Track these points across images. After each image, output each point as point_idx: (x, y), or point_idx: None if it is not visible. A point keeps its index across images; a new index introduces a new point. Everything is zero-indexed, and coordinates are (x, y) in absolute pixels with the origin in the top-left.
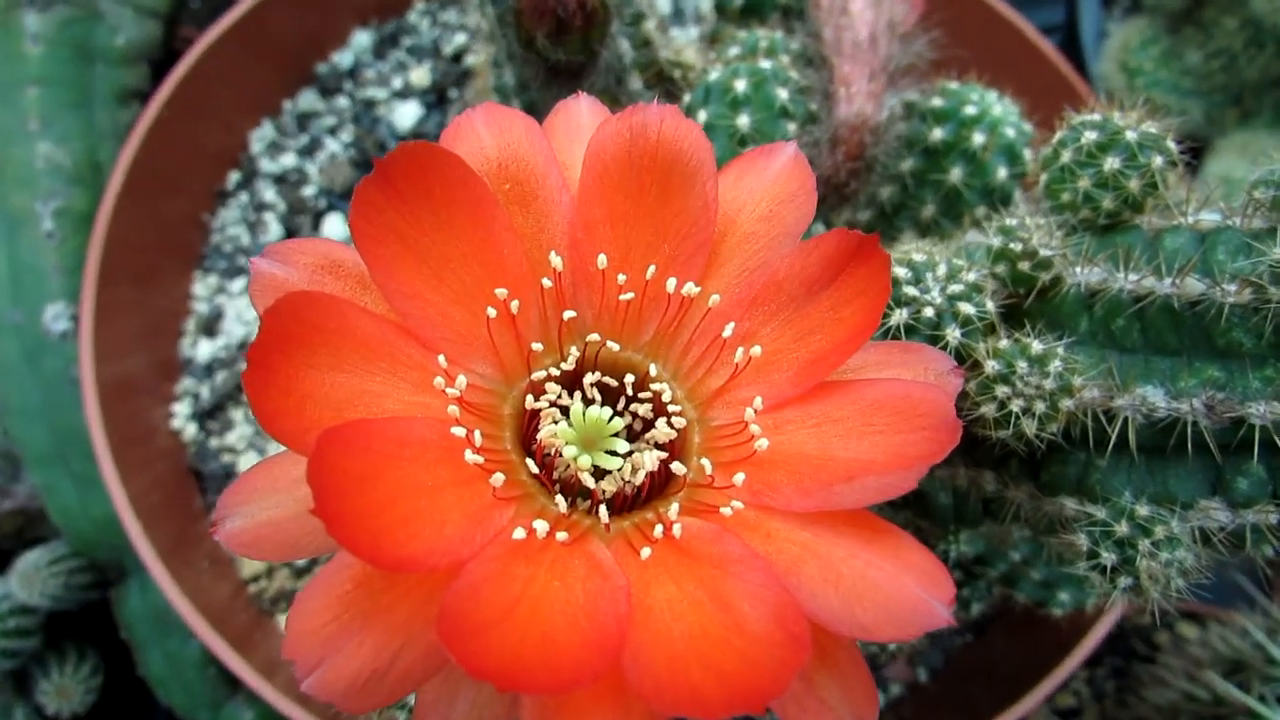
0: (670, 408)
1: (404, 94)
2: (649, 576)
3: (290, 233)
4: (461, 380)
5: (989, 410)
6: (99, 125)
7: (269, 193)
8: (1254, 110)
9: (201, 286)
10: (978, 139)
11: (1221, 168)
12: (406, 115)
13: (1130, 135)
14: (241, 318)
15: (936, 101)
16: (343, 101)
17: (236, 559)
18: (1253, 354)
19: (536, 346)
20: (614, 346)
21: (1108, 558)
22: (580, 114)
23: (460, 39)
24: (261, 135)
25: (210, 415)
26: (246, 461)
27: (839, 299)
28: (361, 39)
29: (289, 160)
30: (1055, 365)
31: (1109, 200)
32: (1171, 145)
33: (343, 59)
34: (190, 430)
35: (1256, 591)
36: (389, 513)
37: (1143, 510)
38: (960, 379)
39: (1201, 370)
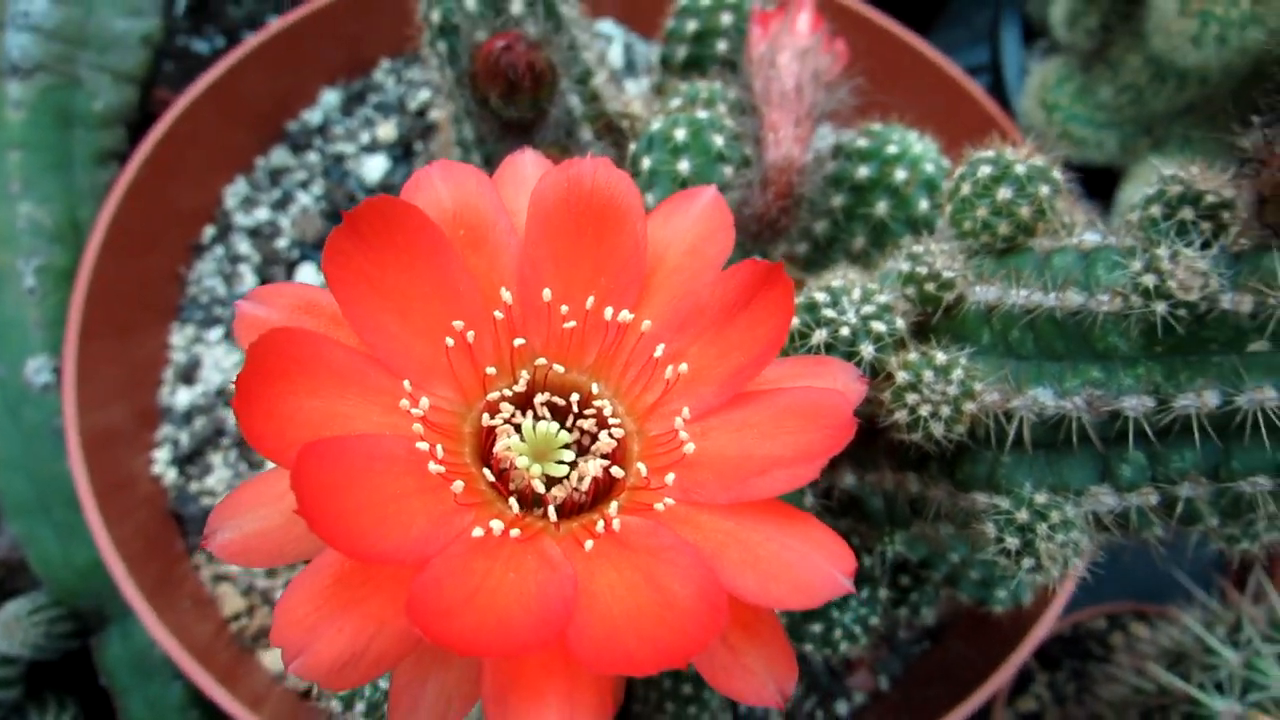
0: (611, 421)
1: (371, 148)
2: (593, 566)
3: (265, 282)
4: (424, 402)
5: (902, 416)
6: (78, 186)
7: (243, 245)
8: (1163, 139)
9: (179, 337)
10: (900, 175)
11: (1133, 193)
12: (374, 168)
13: (1019, 169)
14: (219, 365)
15: (862, 142)
16: (313, 157)
17: (217, 599)
18: (1125, 355)
19: (491, 370)
20: (560, 369)
21: (1011, 543)
22: (525, 167)
23: (424, 94)
24: (235, 191)
25: (189, 460)
26: None
27: (753, 319)
28: (330, 97)
29: (262, 214)
30: (958, 373)
31: (1004, 226)
32: (1057, 175)
33: (312, 116)
34: (170, 475)
35: (1196, 588)
36: (363, 515)
37: (1040, 498)
38: (864, 386)
39: (1084, 371)
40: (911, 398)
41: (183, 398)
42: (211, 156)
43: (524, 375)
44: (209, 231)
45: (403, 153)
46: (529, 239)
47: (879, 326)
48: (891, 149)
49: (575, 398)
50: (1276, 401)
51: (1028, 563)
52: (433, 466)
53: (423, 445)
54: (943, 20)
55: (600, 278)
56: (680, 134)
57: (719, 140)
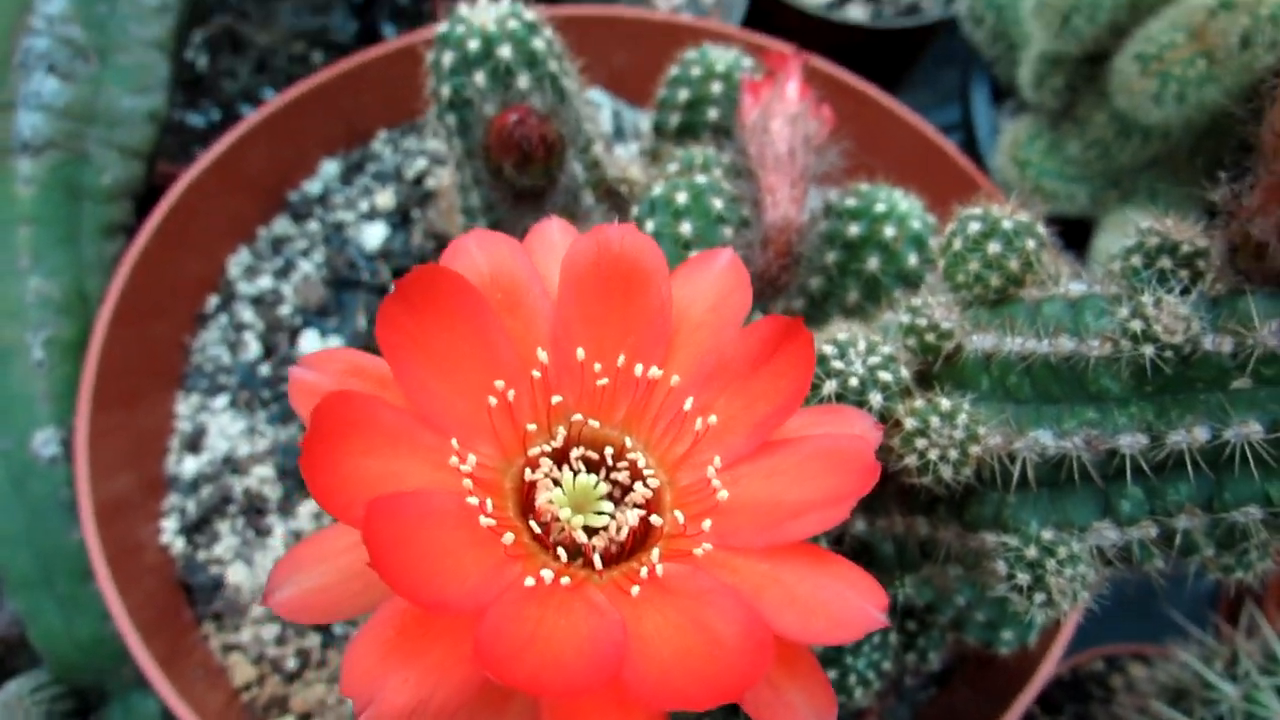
0: (645, 472)
1: (370, 216)
2: (640, 610)
3: (269, 349)
4: (471, 459)
5: (912, 460)
6: (86, 258)
7: (247, 313)
8: (1131, 191)
9: (184, 406)
10: (889, 231)
11: (1107, 242)
12: (374, 235)
13: (1007, 224)
14: (224, 433)
15: (851, 201)
16: (314, 225)
17: (228, 668)
18: (1118, 396)
19: (531, 427)
20: (595, 424)
21: (1022, 579)
22: (552, 234)
23: (421, 163)
24: (239, 260)
25: (197, 529)
26: (234, 571)
27: (776, 371)
28: (330, 168)
29: (265, 282)
30: (962, 418)
31: (995, 278)
32: (1041, 230)
33: (313, 187)
34: (178, 545)
35: (1191, 626)
36: (426, 565)
37: (1047, 535)
38: (879, 432)
39: (1080, 413)
40: (920, 443)
41: (189, 466)
42: (216, 228)
43: (561, 431)
44: (213, 300)
45: (400, 220)
46: (562, 301)
47: (885, 376)
48: (880, 207)
49: (609, 451)
50: (1261, 434)
51: (1039, 597)
52: (484, 520)
53: (473, 500)
54: (910, 82)
55: (629, 336)
56: (681, 198)
57: (718, 203)
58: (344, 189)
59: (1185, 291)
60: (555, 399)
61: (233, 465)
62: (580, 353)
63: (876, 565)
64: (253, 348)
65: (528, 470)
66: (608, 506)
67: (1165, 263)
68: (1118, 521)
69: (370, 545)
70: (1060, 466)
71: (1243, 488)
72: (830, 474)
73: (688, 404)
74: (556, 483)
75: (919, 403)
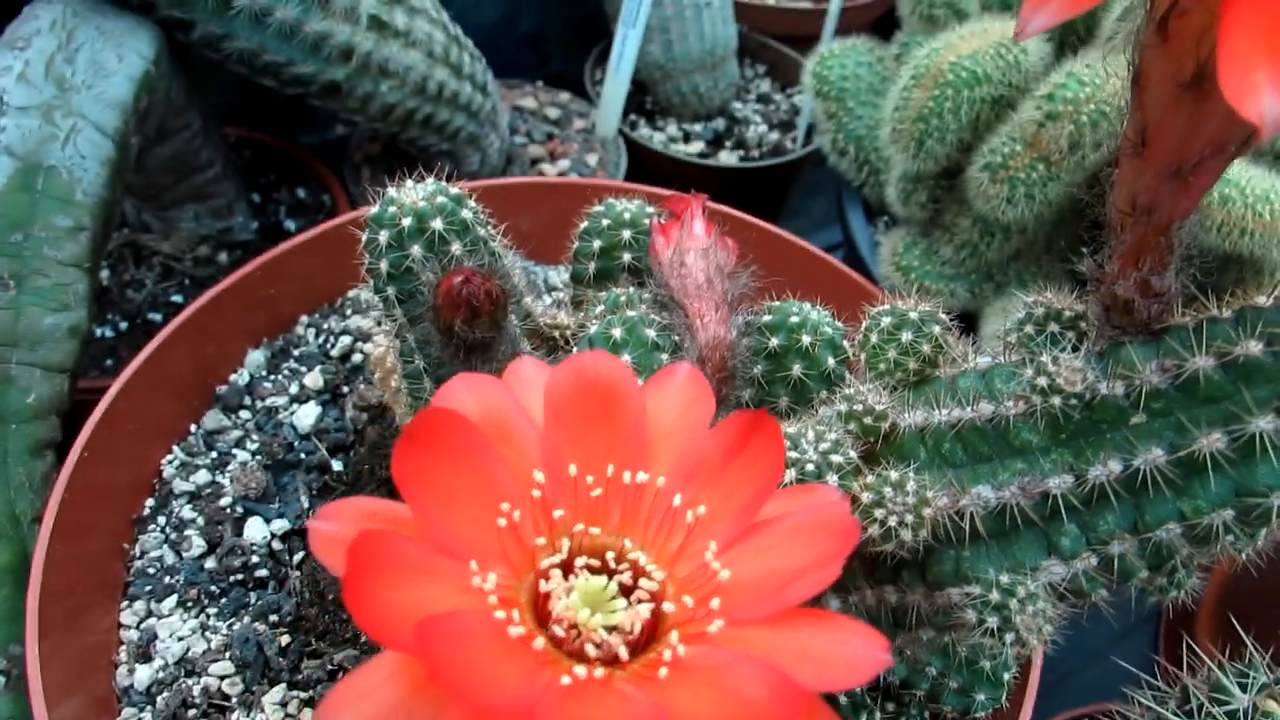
0: (648, 568)
1: (301, 398)
2: (669, 692)
3: (211, 543)
4: (491, 577)
5: (874, 530)
6: (14, 479)
7: (186, 510)
8: (1004, 282)
9: (129, 615)
10: (806, 339)
11: (992, 328)
12: (306, 416)
13: (913, 314)
14: (175, 635)
15: (768, 317)
16: (245, 415)
17: None
18: (1039, 446)
19: (539, 541)
20: (595, 531)
21: (992, 622)
22: (526, 370)
23: (345, 340)
24: (172, 460)
25: None
26: None
27: (750, 460)
28: (256, 357)
29: (202, 477)
30: (911, 485)
31: (912, 363)
32: (944, 316)
33: (240, 378)
34: None
35: (1144, 675)
36: (473, 675)
37: (1005, 579)
38: (847, 502)
39: (1010, 465)
40: (880, 512)
41: (142, 675)
42: (147, 432)
43: (565, 543)
44: (149, 503)
45: (331, 397)
46: (548, 425)
47: (837, 459)
48: (794, 319)
49: (610, 555)
50: (1164, 458)
51: (1010, 638)
52: (513, 630)
53: (500, 614)
54: (785, 213)
55: (614, 449)
56: (617, 332)
57: (651, 333)
58: (272, 376)
59: (1075, 349)
60: (556, 513)
61: (188, 667)
62: (572, 469)
63: None
64: (196, 543)
65: (540, 582)
66: (621, 604)
67: (1053, 327)
68: (1062, 557)
69: (427, 661)
70: (1003, 516)
71: (1160, 509)
72: (817, 540)
73: (677, 500)
74: (569, 591)
75: (870, 479)
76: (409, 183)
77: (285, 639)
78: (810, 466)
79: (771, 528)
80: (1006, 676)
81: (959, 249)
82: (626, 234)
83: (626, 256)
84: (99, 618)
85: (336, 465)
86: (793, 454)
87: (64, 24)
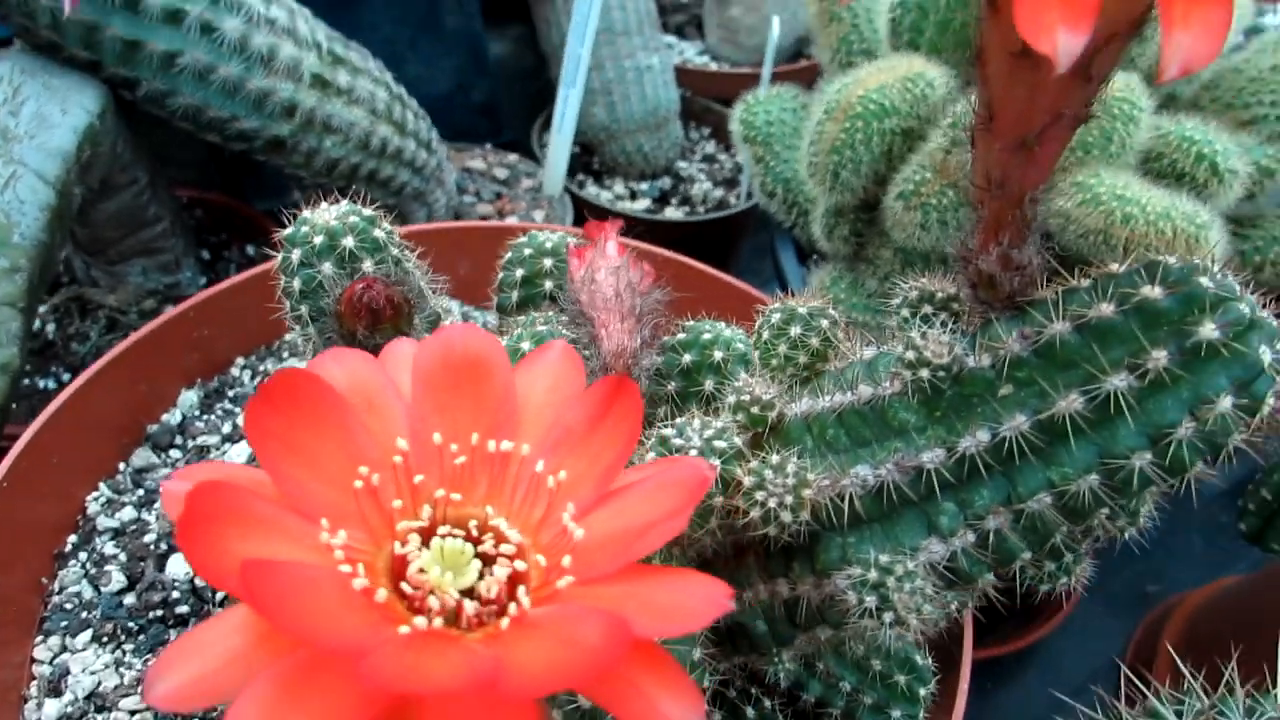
0: (507, 533)
1: (234, 437)
2: (511, 643)
3: (132, 579)
4: (342, 534)
5: (755, 513)
6: None
7: (108, 546)
8: None
9: (43, 650)
10: (718, 354)
11: None
12: (239, 455)
13: (802, 310)
14: (88, 670)
15: (681, 335)
16: (176, 453)
17: None
18: (916, 426)
19: (396, 504)
20: (456, 498)
21: (869, 601)
22: (403, 349)
23: None
24: (97, 497)
25: None
26: None
27: (612, 425)
28: (189, 397)
29: (127, 514)
30: (791, 467)
31: (802, 356)
32: (833, 312)
33: (172, 417)
34: None
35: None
36: (306, 620)
37: (884, 559)
38: (713, 471)
39: (888, 446)
40: (760, 495)
41: (51, 709)
42: (72, 468)
43: (426, 510)
44: (72, 539)
45: None
46: (415, 396)
47: (721, 444)
48: (706, 335)
49: (473, 524)
50: (1027, 425)
51: (888, 617)
52: (357, 583)
53: (345, 568)
54: (732, 270)
55: (481, 419)
56: (525, 345)
57: None
58: (205, 415)
59: (948, 328)
60: (417, 479)
61: (98, 702)
62: (437, 437)
63: (753, 644)
64: (116, 578)
65: (397, 545)
66: (476, 565)
67: (927, 309)
68: (941, 535)
69: (254, 602)
70: (882, 496)
71: (1030, 479)
72: (667, 495)
73: (539, 466)
74: (425, 552)
75: (753, 463)
76: (324, 204)
77: None
78: (693, 452)
79: (628, 491)
80: (923, 692)
81: (883, 280)
82: (548, 262)
83: (548, 284)
84: (11, 653)
85: None
86: (678, 441)
87: (10, 79)
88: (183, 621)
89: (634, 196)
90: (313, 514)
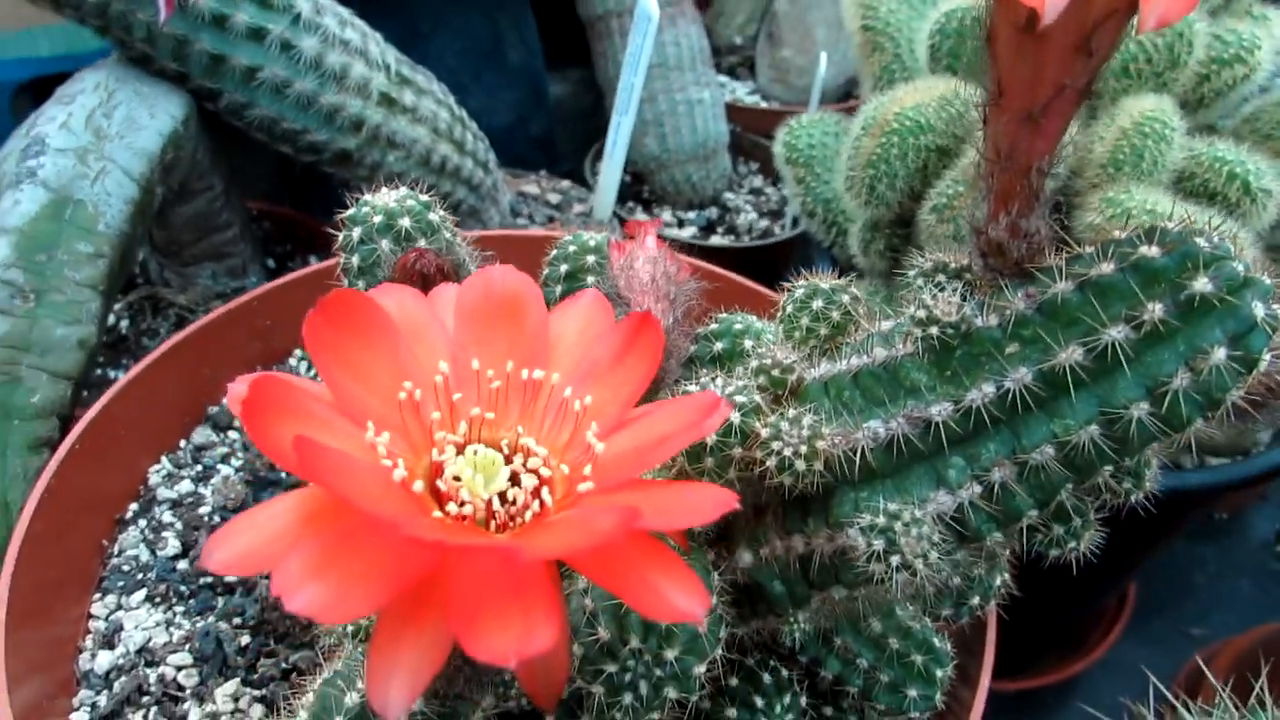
0: (537, 449)
1: None
2: (532, 534)
3: (186, 547)
4: (385, 436)
5: (771, 462)
6: (11, 470)
7: (167, 515)
8: None
9: (100, 607)
10: (748, 343)
11: None
12: None
13: (825, 285)
14: (140, 626)
15: (714, 326)
16: (233, 434)
17: None
18: (927, 384)
19: (435, 416)
20: (490, 416)
21: (877, 544)
22: (448, 292)
23: None
24: (159, 469)
25: None
26: None
27: (635, 359)
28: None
29: (185, 486)
30: (807, 420)
31: (823, 328)
32: (854, 289)
33: None
34: None
35: None
36: (350, 488)
37: (892, 507)
38: (729, 408)
39: (900, 403)
40: (776, 444)
41: (103, 660)
42: (138, 441)
43: (462, 426)
44: (133, 507)
45: None
46: (457, 328)
47: (741, 399)
48: (738, 325)
49: (505, 443)
50: (1030, 378)
51: (895, 560)
52: (397, 474)
53: (387, 462)
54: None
55: (516, 350)
56: None
57: None
58: None
59: (960, 296)
60: (456, 396)
61: (148, 656)
62: (475, 363)
63: (769, 605)
64: (171, 544)
65: (434, 453)
66: (506, 472)
67: (940, 278)
68: (949, 488)
69: (305, 471)
70: (893, 449)
71: (1034, 431)
72: (682, 413)
73: (568, 392)
74: (462, 458)
75: (771, 417)
76: (384, 189)
77: (245, 639)
78: None
79: (646, 415)
80: (940, 674)
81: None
82: (591, 259)
83: (590, 279)
84: (72, 607)
85: None
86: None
87: (106, 85)
88: (230, 590)
89: (681, 225)
90: (360, 419)
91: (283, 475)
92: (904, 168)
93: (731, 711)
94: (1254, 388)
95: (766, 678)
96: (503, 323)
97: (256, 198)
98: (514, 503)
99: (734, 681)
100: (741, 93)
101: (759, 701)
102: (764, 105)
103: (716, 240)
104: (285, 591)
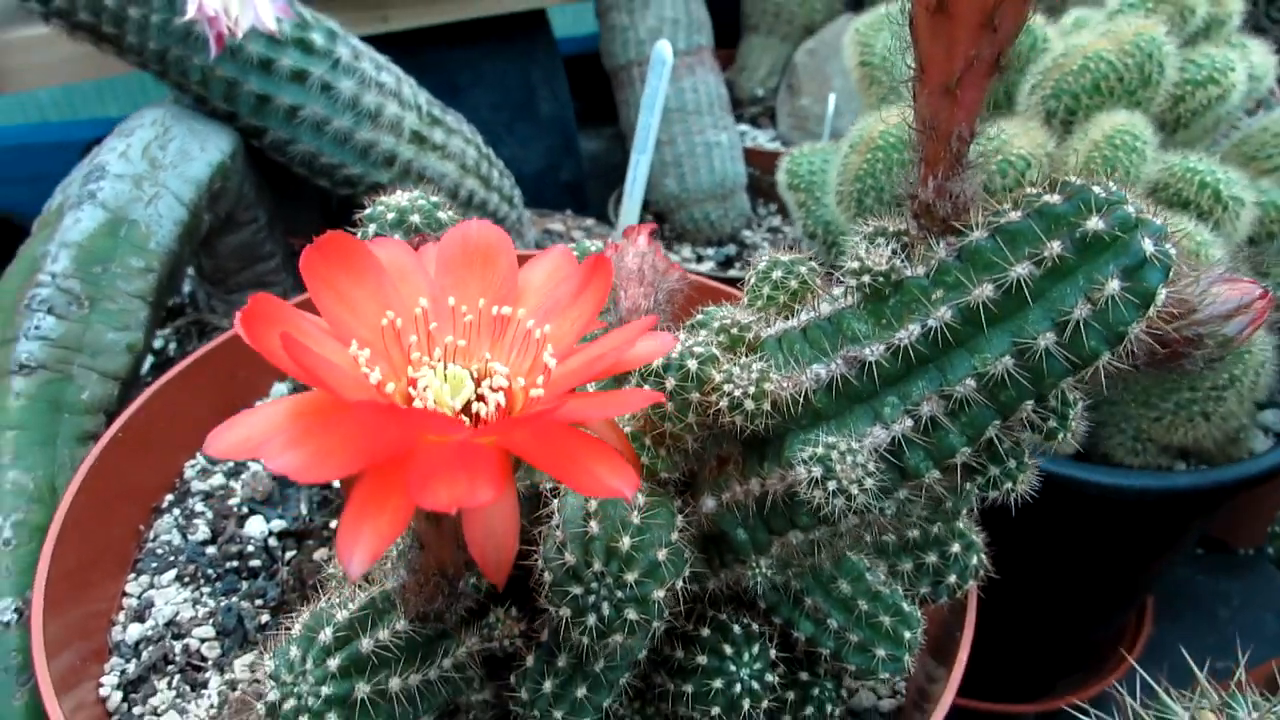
0: (500, 370)
1: None
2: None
3: (215, 533)
4: (366, 353)
5: (724, 403)
6: (60, 459)
7: (199, 505)
8: None
9: (134, 586)
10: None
11: None
12: None
13: (785, 258)
14: (170, 602)
15: (699, 316)
16: None
17: None
18: (864, 333)
19: (413, 339)
20: (463, 344)
21: (815, 471)
22: (432, 249)
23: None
24: (194, 464)
25: (134, 686)
26: None
27: (588, 296)
28: (280, 389)
29: (217, 480)
30: (756, 365)
31: (783, 296)
32: (813, 263)
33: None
34: (115, 699)
35: None
36: (330, 378)
37: (830, 439)
38: (676, 341)
39: (841, 350)
40: (727, 387)
41: (134, 631)
42: (174, 437)
43: (437, 352)
44: (169, 498)
45: None
46: (438, 273)
47: (699, 349)
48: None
49: (475, 368)
50: (950, 315)
51: (832, 485)
52: (374, 377)
53: (366, 370)
54: None
55: (488, 290)
56: None
57: None
58: None
59: (894, 251)
60: (433, 325)
61: (175, 629)
62: (451, 300)
63: (733, 552)
64: (202, 531)
65: (410, 369)
66: (473, 389)
67: (880, 240)
68: (885, 424)
69: (291, 360)
70: (832, 391)
71: (958, 366)
72: (621, 334)
73: (530, 323)
74: (433, 373)
75: (725, 365)
76: (399, 190)
77: (265, 618)
78: (675, 355)
79: (594, 341)
80: (908, 635)
81: None
82: None
83: None
84: (108, 586)
85: (336, 483)
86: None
87: (163, 122)
88: (254, 574)
89: (700, 260)
90: (346, 340)
91: None
92: (889, 181)
93: (702, 659)
94: (1175, 341)
95: (737, 629)
96: (477, 268)
97: (298, 234)
98: (478, 415)
99: (705, 632)
100: (763, 139)
101: (728, 649)
102: (783, 150)
103: (734, 273)
104: (268, 455)
